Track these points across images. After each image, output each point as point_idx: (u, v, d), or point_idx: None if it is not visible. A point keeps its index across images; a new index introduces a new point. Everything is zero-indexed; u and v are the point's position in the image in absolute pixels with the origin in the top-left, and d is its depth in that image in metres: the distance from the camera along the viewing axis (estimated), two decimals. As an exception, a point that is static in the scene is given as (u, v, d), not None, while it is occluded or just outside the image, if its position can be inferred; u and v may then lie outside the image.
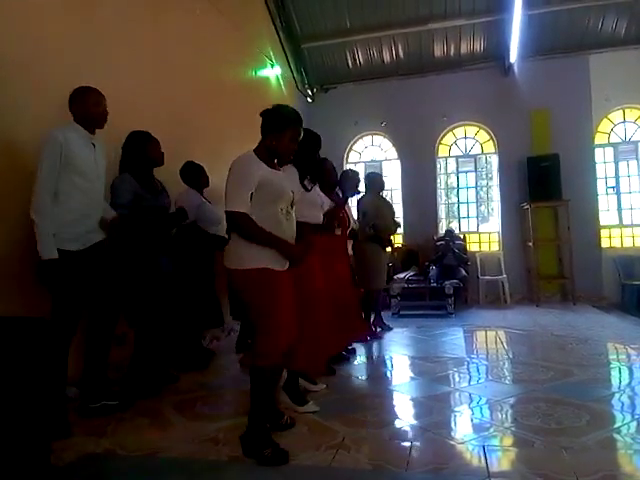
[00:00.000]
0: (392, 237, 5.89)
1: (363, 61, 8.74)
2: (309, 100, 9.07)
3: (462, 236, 8.30)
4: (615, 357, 4.64)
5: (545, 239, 7.86)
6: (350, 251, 4.81)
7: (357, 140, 9.25)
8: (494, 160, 8.69)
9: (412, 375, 4.08)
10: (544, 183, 7.62)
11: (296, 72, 8.63)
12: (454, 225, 8.79)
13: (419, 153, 8.65)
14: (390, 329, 5.92)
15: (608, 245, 8.03)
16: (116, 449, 2.59)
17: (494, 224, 9.00)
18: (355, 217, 5.21)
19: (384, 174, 8.76)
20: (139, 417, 3.07)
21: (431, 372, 4.01)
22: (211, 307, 4.38)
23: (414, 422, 2.93)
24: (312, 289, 3.09)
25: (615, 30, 7.75)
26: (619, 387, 3.72)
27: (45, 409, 2.17)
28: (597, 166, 8.09)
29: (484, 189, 9.25)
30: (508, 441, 2.63)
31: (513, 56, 7.91)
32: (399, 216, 8.28)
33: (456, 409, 3.17)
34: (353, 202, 5.62)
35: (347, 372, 4.13)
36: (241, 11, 6.54)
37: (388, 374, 4.30)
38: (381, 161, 9.21)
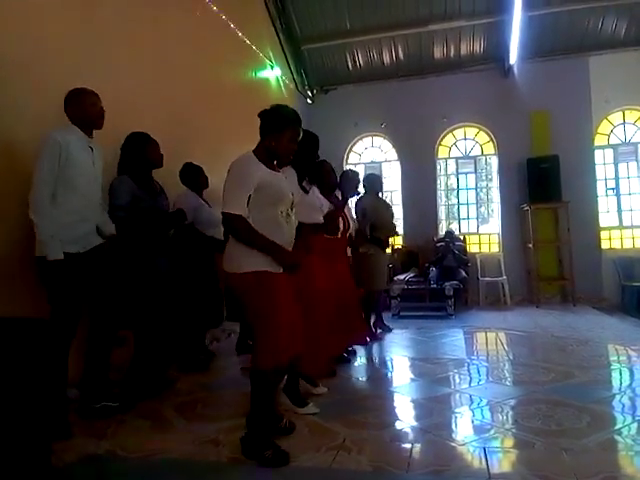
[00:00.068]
0: (392, 238, 5.88)
1: (363, 62, 8.74)
2: (309, 101, 9.08)
3: (462, 237, 8.30)
4: (615, 358, 4.63)
5: (545, 240, 7.86)
6: (349, 253, 4.80)
7: (357, 141, 9.25)
8: (494, 161, 8.70)
9: (412, 376, 4.08)
10: (544, 184, 7.62)
11: (296, 73, 8.63)
12: (454, 226, 8.79)
13: (419, 154, 8.65)
14: (390, 330, 5.91)
15: (608, 246, 8.04)
16: (117, 450, 2.58)
17: (494, 225, 9.01)
18: (354, 217, 5.19)
19: (384, 175, 8.78)
20: (140, 418, 3.07)
21: (431, 373, 4.01)
22: (210, 307, 4.36)
23: (415, 424, 2.92)
24: (312, 289, 3.08)
25: (615, 32, 7.76)
26: (620, 389, 3.71)
27: (45, 410, 2.17)
28: (597, 167, 8.10)
29: (484, 190, 9.26)
30: (509, 443, 2.63)
31: (513, 57, 7.92)
32: (399, 217, 8.31)
33: (457, 411, 3.16)
34: (352, 203, 5.60)
35: (347, 373, 4.13)
36: (241, 12, 6.53)
37: (388, 375, 4.30)
38: (381, 162, 9.21)
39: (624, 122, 8.17)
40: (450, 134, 8.85)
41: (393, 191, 9.02)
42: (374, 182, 5.73)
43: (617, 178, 8.15)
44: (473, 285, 8.04)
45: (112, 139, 3.46)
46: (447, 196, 9.22)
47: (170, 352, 4.11)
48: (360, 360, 4.63)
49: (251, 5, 7.13)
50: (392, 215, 5.95)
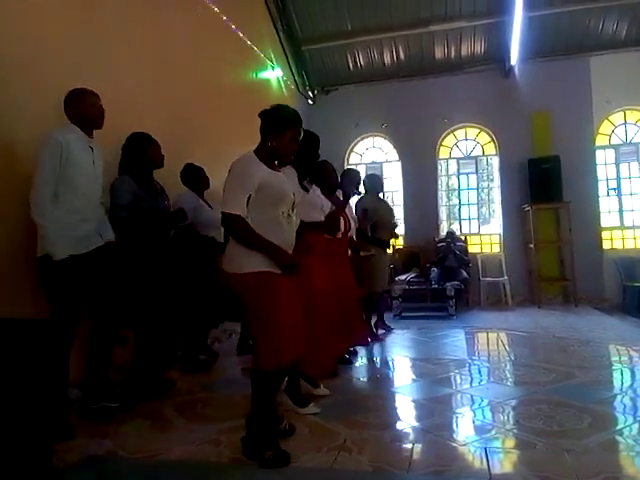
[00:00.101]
0: (392, 240, 5.87)
1: (364, 63, 8.74)
2: (310, 102, 9.08)
3: (463, 238, 8.30)
4: (617, 359, 4.62)
5: (546, 241, 7.85)
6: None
7: (358, 142, 9.25)
8: (495, 162, 8.69)
9: (413, 377, 4.07)
10: (545, 185, 7.61)
11: (297, 74, 8.64)
12: (455, 227, 8.78)
13: (420, 155, 8.65)
14: (392, 330, 5.90)
15: (609, 247, 8.03)
16: (118, 451, 2.58)
17: (495, 226, 9.00)
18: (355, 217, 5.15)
19: (385, 176, 8.79)
20: (140, 419, 3.07)
21: (432, 374, 4.00)
22: (210, 307, 4.34)
23: (416, 424, 2.92)
24: (311, 290, 3.05)
25: (616, 32, 7.76)
26: (621, 389, 3.70)
27: (47, 411, 2.16)
28: (598, 168, 8.09)
29: (485, 191, 9.25)
30: (510, 443, 2.62)
31: (514, 58, 7.91)
32: (400, 218, 8.30)
33: (458, 411, 3.15)
34: (353, 202, 5.58)
35: (348, 374, 4.12)
36: (242, 13, 6.54)
37: (390, 376, 4.29)
38: (382, 163, 9.21)
39: (625, 122, 8.17)
40: (451, 134, 8.84)
41: (394, 192, 9.02)
42: (375, 182, 5.72)
43: (618, 178, 8.14)
44: (474, 285, 8.03)
45: (112, 139, 3.46)
46: (448, 196, 9.21)
47: (170, 352, 4.11)
48: (361, 360, 4.63)
49: (252, 5, 7.13)
50: (393, 216, 5.94)
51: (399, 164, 8.96)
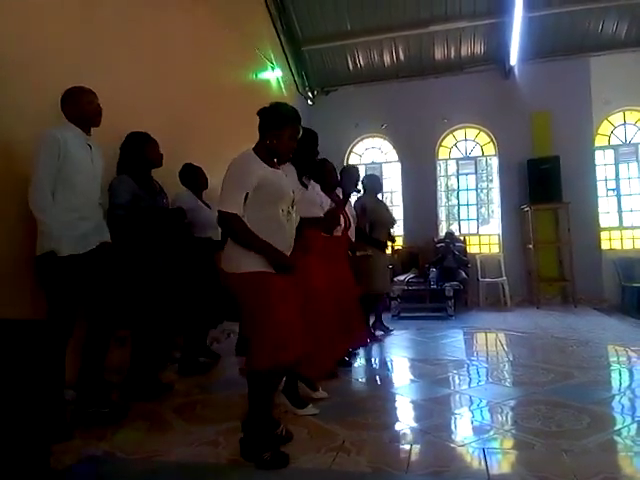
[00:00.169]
0: (390, 243, 5.86)
1: (364, 64, 8.75)
2: (310, 102, 9.08)
3: (462, 238, 8.31)
4: (615, 359, 4.63)
5: (545, 241, 7.86)
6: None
7: (357, 142, 9.25)
8: (494, 162, 8.69)
9: (412, 377, 4.08)
10: (544, 185, 7.62)
11: (297, 74, 8.64)
12: (454, 227, 8.78)
13: (419, 155, 8.65)
14: (390, 332, 5.89)
15: (608, 247, 8.03)
16: (116, 452, 2.58)
17: (494, 226, 9.00)
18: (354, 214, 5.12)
19: (384, 176, 8.81)
20: (139, 420, 3.06)
21: (431, 374, 4.00)
22: (208, 308, 4.33)
23: (414, 425, 2.92)
24: (310, 289, 3.04)
25: (616, 32, 7.76)
26: (619, 389, 3.71)
27: (44, 412, 2.16)
28: (597, 168, 8.09)
29: (484, 191, 9.25)
30: (508, 444, 2.63)
31: (514, 59, 7.91)
32: (399, 218, 8.30)
33: (456, 412, 3.16)
34: (351, 201, 5.56)
35: (347, 375, 4.12)
36: (241, 13, 6.54)
37: (388, 376, 4.29)
38: (381, 163, 9.21)
39: (625, 123, 8.17)
40: (450, 135, 8.85)
41: (393, 192, 9.03)
42: (374, 183, 5.71)
43: (618, 179, 8.14)
44: (473, 286, 8.04)
45: (112, 139, 3.46)
46: (447, 197, 9.22)
47: (166, 353, 4.10)
48: (360, 361, 4.63)
49: (251, 6, 7.13)
50: (392, 216, 5.92)
51: (398, 164, 8.96)
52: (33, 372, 2.08)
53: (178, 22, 5.08)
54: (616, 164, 8.15)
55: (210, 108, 5.62)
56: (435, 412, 3.10)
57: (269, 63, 7.45)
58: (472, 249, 8.55)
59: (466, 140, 8.86)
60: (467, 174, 8.89)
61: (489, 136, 8.60)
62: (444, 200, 9.09)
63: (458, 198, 9.01)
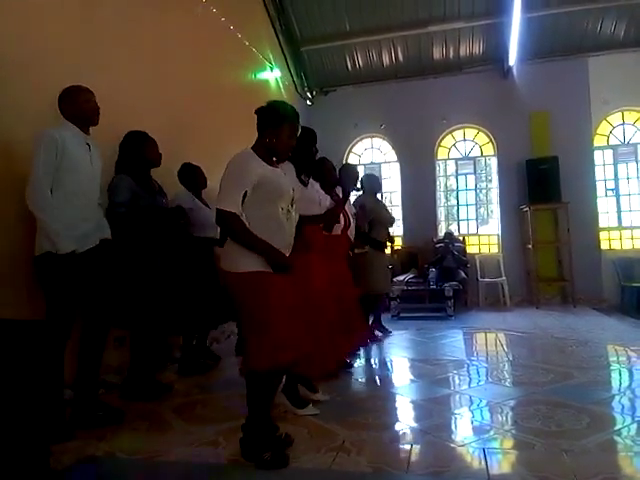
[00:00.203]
0: (389, 243, 5.85)
1: (362, 64, 8.75)
2: (309, 103, 9.08)
3: (461, 238, 8.31)
4: (615, 359, 4.63)
5: (544, 241, 7.87)
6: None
7: (356, 142, 9.25)
8: (493, 162, 8.70)
9: (412, 377, 4.08)
10: (543, 185, 7.63)
11: (296, 75, 8.64)
12: (453, 227, 8.79)
13: (418, 155, 8.65)
14: (389, 333, 5.86)
15: (607, 247, 8.05)
16: (115, 452, 2.58)
17: (493, 226, 9.01)
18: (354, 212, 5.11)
19: (383, 176, 8.81)
20: (138, 420, 3.06)
21: (431, 374, 4.01)
22: (207, 309, 4.32)
23: (414, 425, 2.92)
24: (310, 289, 3.03)
25: (614, 33, 7.77)
26: (619, 389, 3.71)
27: (44, 412, 2.16)
28: (596, 168, 8.10)
29: (483, 191, 9.25)
30: (508, 444, 2.63)
31: (512, 59, 7.92)
32: (398, 218, 8.30)
33: (456, 412, 3.16)
34: (351, 199, 5.54)
35: (347, 375, 4.11)
36: (240, 14, 6.54)
37: (388, 376, 4.29)
38: (380, 163, 9.21)
39: (623, 123, 8.18)
40: (449, 135, 8.85)
41: (393, 192, 9.03)
42: (373, 182, 5.70)
43: (616, 179, 8.15)
44: (473, 286, 8.04)
45: (111, 139, 3.46)
46: (446, 197, 9.23)
47: (164, 353, 4.09)
48: (360, 361, 4.63)
49: (250, 6, 7.13)
50: (391, 216, 5.91)
51: (397, 165, 8.96)
52: (32, 372, 2.08)
53: (178, 22, 5.08)
54: (615, 164, 8.17)
55: (209, 108, 5.62)
56: (435, 412, 3.10)
57: (268, 63, 7.45)
58: (471, 249, 8.55)
59: (465, 140, 8.87)
60: (466, 174, 8.90)
61: (488, 136, 8.60)
62: (443, 200, 9.10)
63: (457, 198, 9.02)
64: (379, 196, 5.89)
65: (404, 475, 2.25)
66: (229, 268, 2.42)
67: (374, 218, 5.37)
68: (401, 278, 7.53)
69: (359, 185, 5.22)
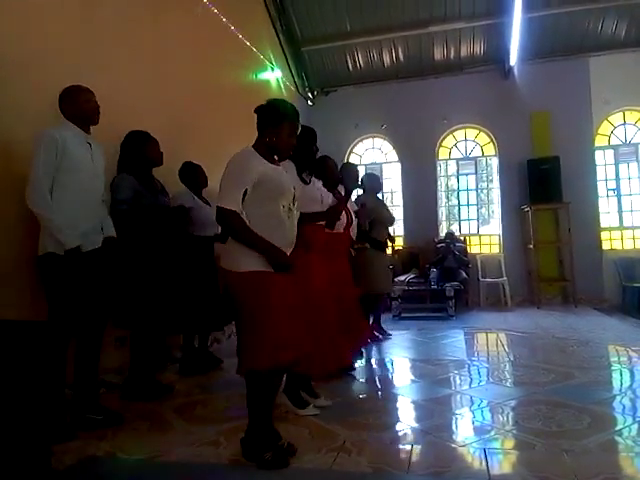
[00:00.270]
0: (390, 243, 5.85)
1: (363, 64, 8.75)
2: (309, 103, 9.08)
3: (463, 238, 8.32)
4: (616, 359, 4.62)
5: (546, 241, 7.86)
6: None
7: (357, 143, 9.25)
8: (494, 162, 8.70)
9: (413, 378, 4.07)
10: (544, 185, 7.63)
11: (296, 75, 8.64)
12: (455, 227, 8.79)
13: (419, 155, 8.65)
14: (389, 336, 5.76)
15: (609, 247, 8.04)
16: (116, 452, 2.58)
17: (495, 226, 9.01)
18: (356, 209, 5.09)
19: (385, 176, 8.80)
20: (139, 420, 3.06)
21: (432, 375, 4.00)
22: (209, 310, 4.31)
23: (415, 425, 2.92)
24: (310, 289, 3.02)
25: (615, 33, 7.77)
26: (620, 389, 3.70)
27: (45, 412, 2.16)
28: (597, 168, 8.10)
29: (484, 191, 9.25)
30: (509, 444, 2.62)
31: (513, 59, 7.92)
32: (399, 218, 8.30)
33: (457, 412, 3.15)
34: (353, 198, 5.53)
35: (348, 375, 4.10)
36: (241, 14, 6.54)
37: (389, 377, 4.29)
38: (381, 164, 9.21)
39: (624, 123, 8.18)
40: (450, 135, 8.85)
41: (394, 192, 9.03)
42: (373, 182, 5.70)
43: (618, 179, 8.15)
44: (474, 286, 8.04)
45: (112, 139, 3.46)
46: (447, 197, 9.21)
47: (164, 353, 4.09)
48: (360, 361, 4.61)
49: (251, 6, 7.13)
50: (392, 216, 5.91)
51: (398, 165, 8.96)
52: (34, 373, 2.08)
53: (178, 22, 5.08)
54: (616, 164, 8.16)
55: (210, 108, 5.62)
56: (436, 412, 3.10)
57: (268, 63, 7.45)
58: (472, 249, 8.55)
59: (466, 140, 8.87)
60: (467, 174, 8.90)
61: (489, 136, 8.60)
62: (444, 200, 9.09)
63: (458, 198, 9.01)
64: (380, 195, 5.89)
65: (405, 475, 2.25)
66: (230, 267, 2.41)
67: (375, 218, 5.36)
68: (402, 278, 7.53)
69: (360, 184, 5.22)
